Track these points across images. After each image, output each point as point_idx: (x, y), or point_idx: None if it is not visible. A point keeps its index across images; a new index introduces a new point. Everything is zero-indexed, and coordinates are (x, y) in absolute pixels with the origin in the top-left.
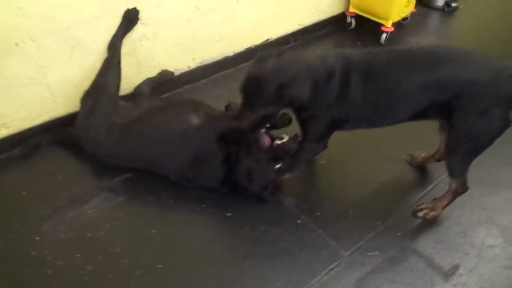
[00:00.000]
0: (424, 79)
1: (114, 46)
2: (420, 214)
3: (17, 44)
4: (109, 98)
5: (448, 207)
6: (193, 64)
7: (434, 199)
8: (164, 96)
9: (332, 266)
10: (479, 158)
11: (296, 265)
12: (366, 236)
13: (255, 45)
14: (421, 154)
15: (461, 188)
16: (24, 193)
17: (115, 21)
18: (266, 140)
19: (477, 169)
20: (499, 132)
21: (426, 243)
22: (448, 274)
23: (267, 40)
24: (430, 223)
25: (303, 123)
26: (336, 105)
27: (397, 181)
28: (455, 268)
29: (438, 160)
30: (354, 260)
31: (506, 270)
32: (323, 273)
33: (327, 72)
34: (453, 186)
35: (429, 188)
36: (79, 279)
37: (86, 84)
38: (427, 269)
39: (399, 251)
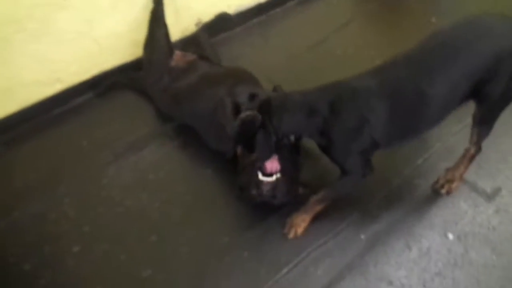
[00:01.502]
0: (449, 78)
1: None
2: (443, 190)
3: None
4: (161, 50)
5: (488, 138)
6: (229, 11)
7: (447, 169)
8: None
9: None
10: None
11: None
12: None
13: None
14: None
15: (477, 152)
16: (84, 142)
17: None
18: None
19: None
20: None
21: (469, 170)
22: (491, 196)
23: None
24: None
25: (331, 158)
26: (355, 138)
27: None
28: (497, 190)
29: None
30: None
31: None
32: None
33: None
34: (471, 151)
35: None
36: (149, 215)
37: (132, 36)
38: (471, 193)
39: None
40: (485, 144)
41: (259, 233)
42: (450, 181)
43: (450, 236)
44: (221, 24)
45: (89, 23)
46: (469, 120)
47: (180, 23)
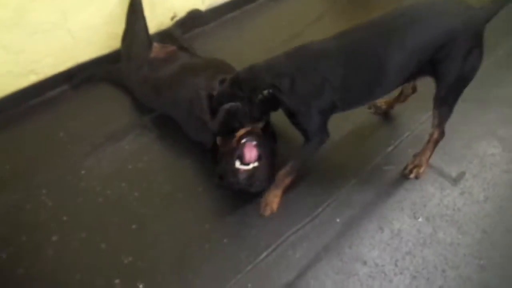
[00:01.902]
0: (404, 45)
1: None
2: (412, 175)
3: None
4: (140, 42)
5: (451, 124)
6: (202, 7)
7: (414, 155)
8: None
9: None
10: (478, 80)
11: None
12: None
13: None
14: (382, 101)
15: (441, 136)
16: (61, 134)
17: None
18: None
19: (476, 89)
20: (476, 70)
21: (435, 156)
22: (456, 179)
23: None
24: None
25: (296, 123)
26: (318, 97)
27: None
28: (462, 174)
29: (403, 101)
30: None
31: (506, 174)
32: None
33: (296, 71)
34: (435, 135)
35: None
36: (129, 204)
37: (108, 29)
38: (438, 178)
39: None
40: (449, 131)
41: (238, 219)
42: (418, 166)
43: (419, 218)
44: (194, 20)
45: (64, 14)
46: None
47: (156, 17)
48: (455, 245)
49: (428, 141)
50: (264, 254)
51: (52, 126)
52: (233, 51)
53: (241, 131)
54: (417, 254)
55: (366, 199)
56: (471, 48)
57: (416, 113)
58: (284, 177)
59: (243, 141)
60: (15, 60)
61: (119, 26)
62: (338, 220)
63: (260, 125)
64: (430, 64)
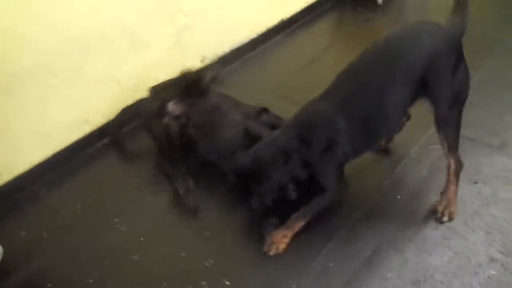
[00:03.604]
0: (395, 79)
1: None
2: (445, 218)
3: (93, 45)
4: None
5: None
6: (226, 48)
7: (441, 193)
8: None
9: None
10: None
11: None
12: None
13: (273, 25)
14: None
15: (459, 166)
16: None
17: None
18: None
19: None
20: (467, 85)
21: (473, 130)
22: (501, 147)
23: (281, 20)
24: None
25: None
26: (331, 157)
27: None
28: (504, 143)
29: (399, 131)
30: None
31: None
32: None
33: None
34: (452, 166)
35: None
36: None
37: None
38: (482, 148)
39: None
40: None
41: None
42: (448, 206)
43: (477, 182)
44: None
45: (113, 65)
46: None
47: (187, 61)
48: None
49: (448, 175)
50: None
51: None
52: (260, 79)
53: None
54: (484, 213)
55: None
56: (456, 64)
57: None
58: (296, 221)
59: None
60: (73, 112)
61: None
62: None
63: None
64: (423, 87)
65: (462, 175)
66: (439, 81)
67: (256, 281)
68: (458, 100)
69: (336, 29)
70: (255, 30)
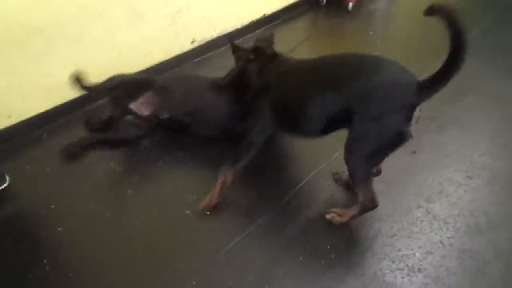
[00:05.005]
0: (329, 88)
1: None
2: (328, 216)
3: (100, 14)
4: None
5: None
6: (214, 34)
7: (344, 207)
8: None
9: None
10: None
11: None
12: None
13: (256, 19)
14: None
15: (369, 203)
16: None
17: None
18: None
19: None
20: (394, 140)
21: None
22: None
23: (263, 15)
24: None
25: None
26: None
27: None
28: None
29: None
30: None
31: None
32: None
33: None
34: (361, 198)
35: None
36: None
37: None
38: None
39: None
40: None
41: None
42: (339, 214)
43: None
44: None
45: (113, 33)
46: None
47: (179, 42)
48: None
49: (358, 204)
50: None
51: None
52: None
53: None
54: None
55: None
56: (383, 113)
57: None
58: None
59: None
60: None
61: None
62: None
63: None
64: (348, 116)
65: None
66: (357, 117)
67: None
68: (368, 146)
69: (311, 27)
70: (240, 21)
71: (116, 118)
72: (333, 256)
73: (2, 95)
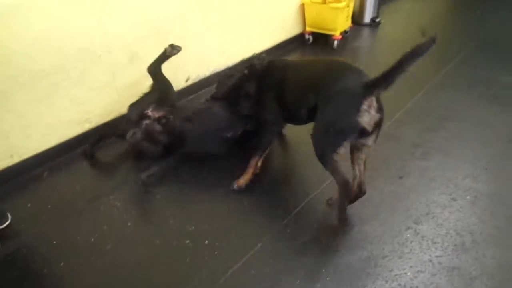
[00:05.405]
0: (306, 84)
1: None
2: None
3: (100, 56)
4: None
5: None
6: (207, 72)
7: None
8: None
9: None
10: None
11: None
12: None
13: (246, 58)
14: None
15: (343, 187)
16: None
17: (160, 38)
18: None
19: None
20: (347, 127)
21: None
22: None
23: (254, 53)
24: None
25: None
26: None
27: None
28: None
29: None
30: None
31: None
32: None
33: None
34: (337, 184)
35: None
36: None
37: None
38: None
39: None
40: None
41: None
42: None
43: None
44: None
45: (114, 75)
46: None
47: (176, 79)
48: None
49: None
50: None
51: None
52: None
53: None
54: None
55: None
56: (340, 107)
57: None
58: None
59: None
60: (76, 111)
61: None
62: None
63: None
64: (311, 111)
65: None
66: (322, 116)
67: None
68: (331, 141)
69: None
70: (231, 59)
71: (133, 120)
72: (327, 279)
73: (5, 136)
